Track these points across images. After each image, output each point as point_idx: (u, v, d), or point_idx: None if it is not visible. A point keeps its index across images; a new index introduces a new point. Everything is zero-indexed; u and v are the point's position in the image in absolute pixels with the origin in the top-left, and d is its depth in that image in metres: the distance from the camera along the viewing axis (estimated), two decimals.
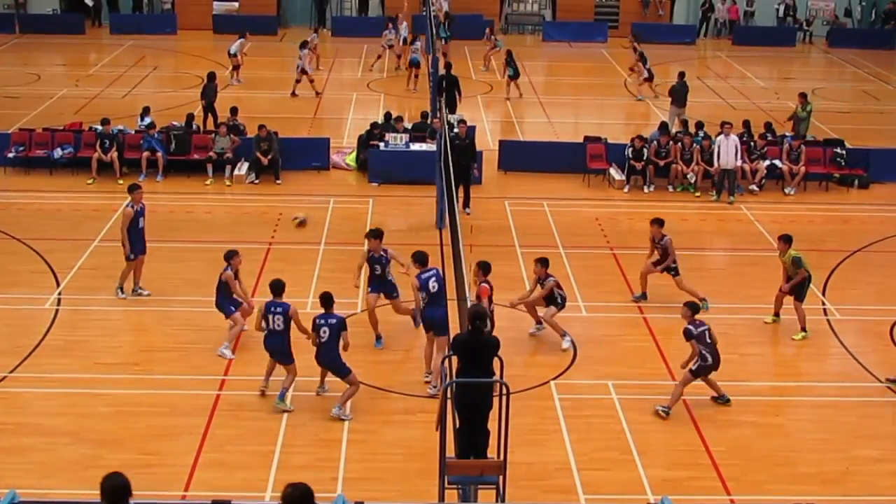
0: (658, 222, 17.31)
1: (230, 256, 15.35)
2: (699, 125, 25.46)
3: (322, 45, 37.33)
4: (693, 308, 14.15)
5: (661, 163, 23.68)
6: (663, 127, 24.99)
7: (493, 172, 24.52)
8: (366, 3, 44.49)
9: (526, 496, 11.81)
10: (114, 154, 23.36)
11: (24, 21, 42.10)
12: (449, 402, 10.50)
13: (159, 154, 23.54)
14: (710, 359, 13.84)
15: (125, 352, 15.56)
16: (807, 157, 24.05)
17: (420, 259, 14.73)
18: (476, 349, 10.58)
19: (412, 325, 15.92)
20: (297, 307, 14.02)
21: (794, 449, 13.40)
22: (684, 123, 25.84)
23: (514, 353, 15.08)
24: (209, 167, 23.55)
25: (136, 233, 16.93)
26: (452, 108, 26.58)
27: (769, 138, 24.74)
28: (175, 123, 25.31)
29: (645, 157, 23.58)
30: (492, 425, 10.54)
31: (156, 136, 23.86)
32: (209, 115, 27.04)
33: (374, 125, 25.04)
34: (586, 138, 25.43)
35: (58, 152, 23.82)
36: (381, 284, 15.62)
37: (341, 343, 13.64)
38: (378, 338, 15.65)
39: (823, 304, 17.69)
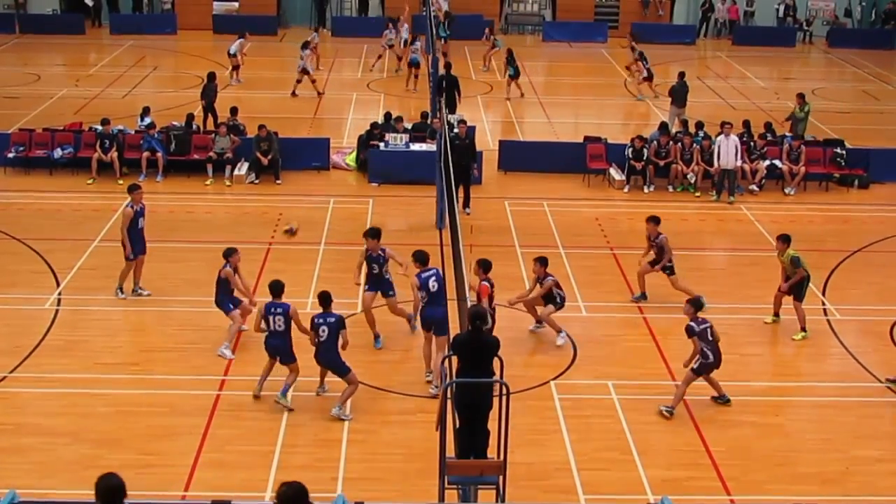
0: (654, 220, 17.33)
1: (229, 254, 15.37)
2: (699, 125, 25.46)
3: (322, 45, 37.32)
4: (696, 305, 14.11)
5: (661, 163, 23.68)
6: (663, 127, 24.99)
7: (493, 172, 24.52)
8: (366, 3, 44.49)
9: (526, 496, 11.81)
10: (114, 154, 23.36)
11: (24, 21, 42.11)
12: (449, 402, 10.50)
13: (159, 154, 23.54)
14: (711, 356, 13.83)
15: (125, 352, 15.56)
16: (807, 157, 24.04)
17: (420, 258, 14.74)
18: (476, 349, 10.59)
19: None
20: (296, 307, 14.02)
21: (794, 449, 13.40)
22: (684, 123, 25.84)
23: (514, 353, 15.08)
24: (209, 167, 23.55)
25: (136, 233, 16.94)
26: (452, 109, 26.58)
27: (769, 138, 24.75)
28: (175, 123, 25.31)
29: (645, 157, 23.58)
30: (492, 425, 10.55)
31: (156, 136, 23.86)
32: (209, 115, 27.04)
33: (374, 125, 25.04)
34: (586, 138, 25.44)
35: (58, 152, 23.82)
36: (378, 283, 15.64)
37: (340, 341, 13.66)
38: (376, 337, 15.66)
39: (823, 304, 17.69)
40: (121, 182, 22.42)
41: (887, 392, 14.82)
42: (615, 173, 24.17)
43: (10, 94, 31.04)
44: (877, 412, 14.44)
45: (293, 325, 13.80)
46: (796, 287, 16.34)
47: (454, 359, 10.76)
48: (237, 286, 15.45)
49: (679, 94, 27.96)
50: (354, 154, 24.80)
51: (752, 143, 24.20)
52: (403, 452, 12.92)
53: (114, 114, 25.91)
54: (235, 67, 33.03)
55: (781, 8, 44.92)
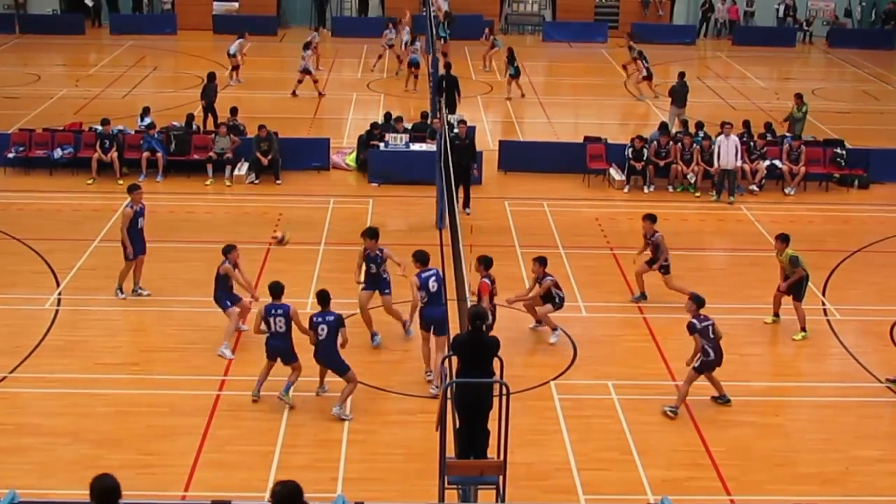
0: (650, 218, 17.34)
1: (228, 251, 15.40)
2: (699, 125, 25.46)
3: (322, 45, 37.30)
4: (698, 302, 14.07)
5: (661, 163, 23.68)
6: (663, 127, 24.99)
7: (493, 172, 24.52)
8: (366, 3, 44.49)
9: (526, 496, 11.81)
10: (114, 154, 23.36)
11: (24, 21, 42.11)
12: (449, 403, 10.50)
13: (159, 154, 23.55)
14: (712, 354, 13.82)
15: (125, 352, 15.56)
16: (807, 158, 24.05)
17: (421, 258, 14.75)
18: (476, 349, 10.59)
19: (413, 327, 15.91)
20: (296, 307, 14.02)
21: (794, 449, 13.40)
22: (684, 124, 25.84)
23: (514, 353, 15.08)
24: (209, 167, 23.55)
25: (136, 233, 16.94)
26: (452, 109, 26.58)
27: (769, 138, 24.75)
28: (175, 124, 25.31)
29: (645, 158, 23.58)
30: (492, 425, 10.55)
31: (156, 136, 23.86)
32: (209, 115, 27.05)
33: (374, 125, 25.04)
34: (586, 138, 25.44)
35: (58, 152, 23.82)
36: (375, 282, 15.67)
37: (340, 340, 13.68)
38: (373, 335, 15.68)
39: (823, 304, 17.69)
40: (121, 182, 22.42)
41: (887, 392, 14.83)
42: (615, 173, 24.17)
43: (10, 94, 31.04)
44: (877, 412, 14.44)
45: (294, 325, 13.81)
46: (795, 287, 16.35)
47: (454, 359, 10.76)
48: (238, 281, 15.46)
49: (679, 95, 27.96)
50: (354, 154, 24.80)
51: (752, 144, 24.19)
52: (403, 452, 12.93)
53: (114, 114, 25.91)
54: (235, 68, 33.03)
55: (781, 8, 44.93)
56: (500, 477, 10.06)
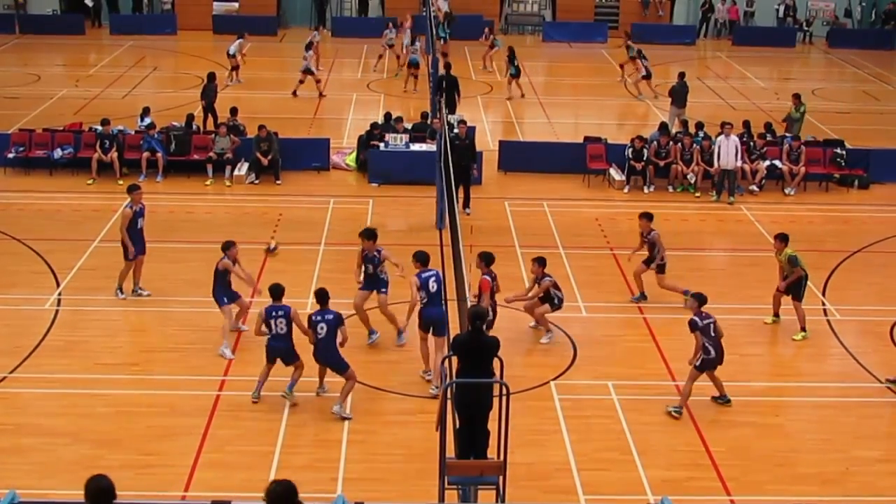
0: (647, 216, 17.36)
1: (227, 247, 15.41)
2: (699, 125, 25.46)
3: (322, 46, 37.30)
4: (700, 299, 14.06)
5: (661, 163, 23.68)
6: (663, 127, 24.99)
7: (493, 173, 24.52)
8: (366, 3, 44.49)
9: (526, 496, 11.81)
10: (114, 154, 23.36)
11: (24, 21, 42.10)
12: (449, 403, 10.50)
13: (159, 154, 23.55)
14: (713, 352, 13.81)
15: (125, 352, 15.56)
16: (807, 158, 24.05)
17: (421, 258, 14.76)
18: (476, 349, 10.60)
19: (411, 326, 15.88)
20: (296, 308, 14.03)
21: (795, 449, 13.40)
22: (684, 124, 25.84)
23: (514, 353, 15.09)
24: (209, 167, 23.55)
25: (136, 233, 16.94)
26: (452, 109, 26.58)
27: (769, 139, 24.75)
28: (175, 124, 25.31)
29: (645, 158, 23.58)
30: (492, 425, 10.55)
31: (156, 136, 23.86)
32: (209, 115, 27.05)
33: (374, 125, 25.03)
34: (586, 139, 25.43)
35: (58, 153, 23.82)
36: (372, 283, 15.68)
37: (339, 338, 13.70)
38: (371, 332, 15.68)
39: (823, 304, 17.69)
40: (121, 182, 22.41)
41: (887, 392, 14.82)
42: (615, 174, 24.17)
43: (10, 94, 31.04)
44: (877, 412, 14.45)
45: (295, 326, 13.81)
46: (795, 287, 16.35)
47: (454, 359, 10.76)
48: (239, 276, 15.46)
49: (679, 95, 27.96)
50: (354, 154, 24.80)
51: (752, 144, 24.19)
52: (403, 453, 12.93)
53: (114, 114, 25.90)
54: (235, 68, 33.02)
55: (781, 8, 44.93)
56: (500, 477, 10.06)
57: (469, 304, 11.76)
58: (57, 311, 16.69)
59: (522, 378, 14.46)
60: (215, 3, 43.64)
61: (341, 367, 13.71)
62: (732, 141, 22.97)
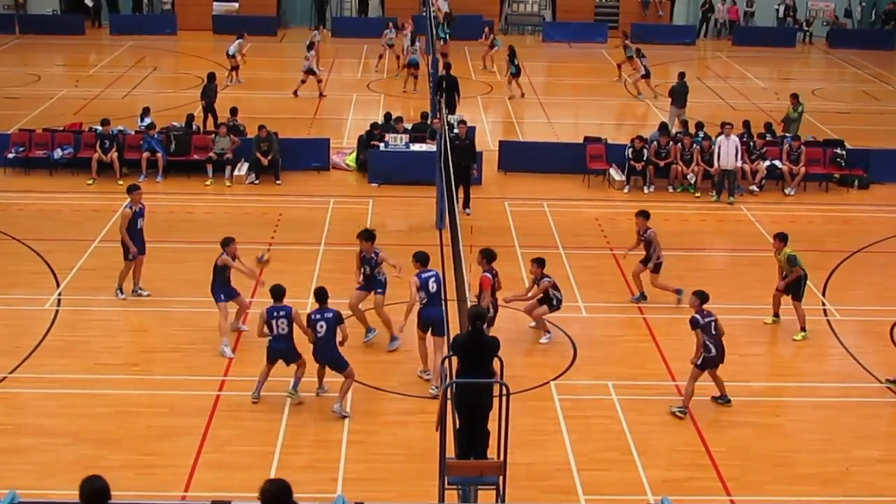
0: (643, 214, 17.37)
1: (227, 243, 15.44)
2: (699, 126, 25.46)
3: (322, 46, 37.29)
4: (701, 297, 14.04)
5: (661, 163, 23.68)
6: (663, 127, 24.99)
7: (493, 173, 24.52)
8: (366, 3, 44.50)
9: (526, 496, 11.81)
10: (114, 155, 23.37)
11: (24, 21, 42.11)
12: (449, 403, 10.50)
13: (159, 154, 23.55)
14: (713, 350, 13.80)
15: (125, 352, 15.56)
16: (807, 158, 24.05)
17: (421, 259, 14.76)
18: (476, 349, 10.60)
19: (410, 326, 15.87)
20: (297, 308, 14.03)
21: (795, 449, 13.40)
22: (684, 124, 25.85)
23: (514, 354, 15.09)
24: (209, 168, 23.55)
25: (136, 233, 16.94)
26: (452, 109, 26.58)
27: (769, 139, 24.75)
28: (175, 124, 25.31)
29: (645, 158, 23.58)
30: (492, 426, 10.55)
31: (156, 136, 23.86)
32: (209, 115, 27.05)
33: (374, 126, 25.03)
34: (586, 139, 25.43)
35: (58, 153, 23.82)
36: (369, 283, 15.69)
37: (339, 337, 13.71)
38: (368, 330, 15.69)
39: (823, 304, 17.69)
40: (121, 182, 22.40)
41: (887, 392, 14.82)
42: (615, 174, 24.17)
43: (10, 94, 31.05)
44: (877, 412, 14.45)
45: (296, 327, 13.82)
46: (794, 286, 16.35)
47: (454, 359, 10.76)
48: (241, 269, 15.46)
49: (679, 95, 27.96)
50: (354, 154, 24.80)
51: (751, 144, 24.19)
52: (403, 453, 12.93)
53: (114, 114, 25.90)
54: (234, 68, 33.03)
55: (781, 8, 44.93)
56: (500, 477, 10.06)
57: (469, 304, 11.75)
58: (57, 312, 16.69)
59: (522, 378, 14.46)
60: (215, 3, 43.65)
61: (341, 365, 13.73)
62: (732, 141, 22.97)
